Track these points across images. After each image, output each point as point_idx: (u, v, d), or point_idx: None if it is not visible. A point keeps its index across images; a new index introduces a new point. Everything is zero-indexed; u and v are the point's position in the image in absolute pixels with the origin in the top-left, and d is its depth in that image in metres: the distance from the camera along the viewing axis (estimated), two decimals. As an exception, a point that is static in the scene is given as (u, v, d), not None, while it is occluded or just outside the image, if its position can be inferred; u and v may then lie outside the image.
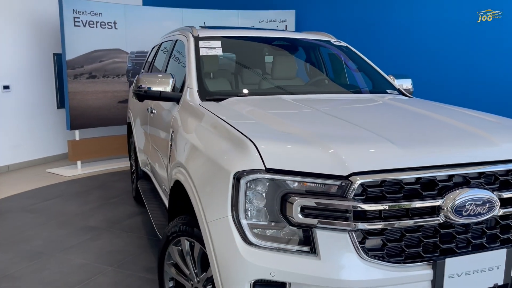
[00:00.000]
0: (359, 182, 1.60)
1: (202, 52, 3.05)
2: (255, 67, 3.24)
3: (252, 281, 1.66)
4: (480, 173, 1.77)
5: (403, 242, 1.68)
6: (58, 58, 7.03)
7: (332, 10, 6.97)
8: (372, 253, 1.64)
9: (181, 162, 2.19)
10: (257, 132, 1.85)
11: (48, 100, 7.07)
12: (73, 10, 6.19)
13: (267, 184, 1.66)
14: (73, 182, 5.82)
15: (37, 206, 4.79)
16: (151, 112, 3.48)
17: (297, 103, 2.55)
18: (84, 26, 6.34)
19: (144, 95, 2.84)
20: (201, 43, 3.13)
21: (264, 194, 1.67)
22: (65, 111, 7.23)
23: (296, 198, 1.60)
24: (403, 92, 3.22)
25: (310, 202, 1.60)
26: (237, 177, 1.68)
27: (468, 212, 1.68)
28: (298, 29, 7.10)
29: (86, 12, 6.32)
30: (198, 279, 2.20)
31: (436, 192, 1.69)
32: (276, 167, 1.65)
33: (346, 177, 1.61)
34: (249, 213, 1.69)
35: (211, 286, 2.13)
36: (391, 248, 1.67)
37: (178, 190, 2.46)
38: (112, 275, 3.23)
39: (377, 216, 1.64)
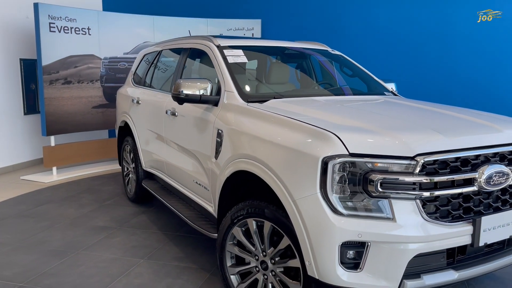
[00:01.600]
0: (422, 161, 2.10)
1: (230, 60, 3.42)
2: (274, 73, 3.66)
3: (341, 243, 2.10)
4: (495, 153, 2.35)
5: (449, 207, 2.21)
6: (25, 64, 6.94)
7: (296, 19, 7.55)
8: (430, 216, 2.15)
9: (250, 154, 2.56)
10: (331, 125, 2.29)
11: (14, 106, 6.92)
12: (49, 15, 6.19)
13: (351, 165, 2.11)
14: (56, 188, 5.82)
15: (33, 212, 4.80)
16: (173, 114, 3.76)
17: (331, 103, 3.04)
18: (59, 31, 6.35)
19: (185, 98, 3.16)
20: (226, 52, 3.50)
21: (347, 173, 2.11)
22: (33, 117, 7.17)
23: (376, 175, 2.07)
24: (395, 93, 3.82)
25: (386, 178, 2.07)
26: (325, 161, 2.11)
27: (493, 182, 2.24)
28: (263, 37, 7.59)
29: (61, 17, 6.34)
30: (265, 253, 2.58)
31: (470, 168, 2.24)
32: (357, 152, 2.11)
33: (412, 158, 2.11)
34: (335, 189, 2.12)
35: (278, 258, 2.53)
36: (442, 211, 2.19)
37: (234, 181, 2.83)
38: (147, 265, 3.48)
39: (433, 187, 2.15)
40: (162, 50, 4.72)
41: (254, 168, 2.53)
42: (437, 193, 2.14)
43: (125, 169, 5.33)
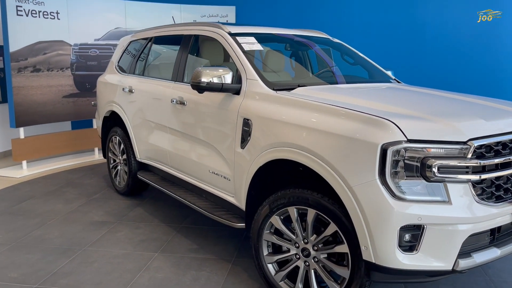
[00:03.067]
0: (474, 145, 2.21)
1: (245, 47, 3.37)
2: (290, 61, 3.65)
3: (400, 227, 2.16)
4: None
5: (493, 188, 2.34)
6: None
7: (270, 6, 7.54)
8: (479, 197, 2.27)
9: (294, 143, 2.54)
10: (383, 113, 2.33)
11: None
12: (16, -2, 5.75)
13: (408, 151, 2.17)
14: (33, 183, 5.48)
15: (18, 208, 4.51)
16: (181, 103, 3.65)
17: (357, 90, 3.09)
18: (27, 15, 5.92)
19: (206, 87, 3.08)
20: (239, 39, 3.44)
21: (405, 159, 2.17)
22: (2, 107, 6.68)
23: (434, 160, 2.14)
24: (398, 81, 3.94)
25: (443, 162, 2.15)
26: (384, 147, 2.16)
27: None
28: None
29: (28, 0, 5.91)
30: (306, 240, 2.61)
31: (508, 151, 2.38)
32: (415, 138, 2.17)
33: (465, 142, 2.21)
34: (393, 175, 2.18)
35: (322, 245, 2.56)
36: (487, 193, 2.32)
37: (263, 170, 2.82)
38: (163, 259, 3.39)
39: (481, 170, 2.27)
40: (154, 37, 4.54)
41: (298, 156, 2.53)
42: (485, 176, 2.25)
43: (111, 161, 5.12)
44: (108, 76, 5.14)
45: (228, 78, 3.11)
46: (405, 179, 2.19)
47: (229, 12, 7.53)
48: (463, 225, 2.20)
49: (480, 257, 2.29)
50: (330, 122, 2.43)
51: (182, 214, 4.33)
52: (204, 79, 3.06)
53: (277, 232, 2.77)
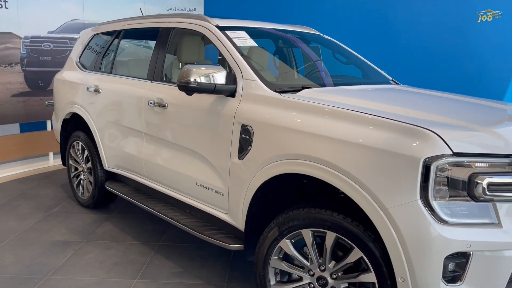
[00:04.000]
0: (525, 159, 1.93)
1: (238, 43, 2.96)
2: (285, 59, 3.27)
3: (446, 256, 1.85)
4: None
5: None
6: None
7: (241, 0, 7.14)
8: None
9: (309, 155, 2.17)
10: (418, 121, 2.00)
11: None
12: (-45, -18, 5.01)
13: (454, 167, 1.85)
14: (-23, 194, 4.80)
15: (-40, 227, 3.86)
16: (160, 106, 3.18)
17: (370, 92, 2.76)
18: (-31, 3, 5.19)
19: (196, 88, 2.65)
20: (230, 34, 3.03)
21: (450, 175, 1.86)
22: None
23: (484, 176, 1.84)
24: (396, 82, 3.66)
25: (493, 179, 1.85)
26: (427, 163, 1.83)
27: None
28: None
29: (-30, -14, 5.18)
30: (323, 267, 2.24)
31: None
32: (462, 151, 1.86)
33: (515, 156, 1.92)
34: (437, 194, 1.86)
35: (342, 273, 2.21)
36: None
37: (273, 185, 2.43)
38: (145, 287, 2.92)
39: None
40: (123, 30, 4.02)
41: (316, 171, 2.15)
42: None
43: (73, 169, 4.54)
44: (68, 74, 4.55)
45: (221, 78, 2.68)
46: (449, 199, 1.88)
47: (197, 6, 7.06)
48: (515, 251, 1.91)
49: (528, 286, 2.02)
50: (358, 132, 2.07)
51: (157, 229, 3.85)
52: (194, 79, 2.63)
53: (286, 258, 2.39)
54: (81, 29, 6.25)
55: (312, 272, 2.30)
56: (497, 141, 1.95)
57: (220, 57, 3.34)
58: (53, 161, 6.25)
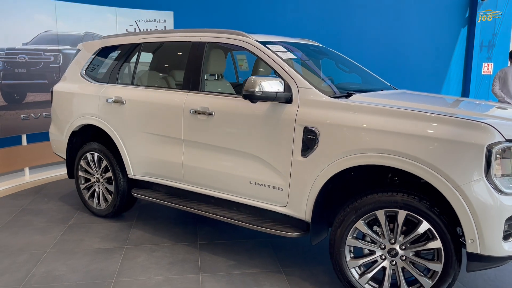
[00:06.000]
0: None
1: (282, 56, 3.36)
2: (315, 69, 3.71)
3: (507, 217, 2.42)
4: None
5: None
6: None
7: (208, 12, 7.47)
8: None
9: (384, 148, 2.64)
10: (473, 118, 2.57)
11: None
12: None
13: (506, 150, 2.44)
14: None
15: (-16, 245, 3.76)
16: (206, 114, 3.46)
17: (401, 95, 3.32)
18: None
19: (261, 96, 3.02)
20: (272, 48, 3.42)
21: (504, 157, 2.44)
22: None
23: (529, 155, 2.45)
24: (394, 87, 4.28)
25: (533, 157, 2.48)
26: (489, 148, 2.40)
27: None
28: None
29: None
30: (393, 241, 2.73)
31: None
32: (511, 138, 2.45)
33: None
34: (497, 172, 2.43)
35: (410, 243, 2.71)
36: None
37: (343, 176, 2.88)
38: (212, 279, 3.19)
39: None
40: (142, 43, 4.19)
41: (392, 161, 2.63)
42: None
43: (83, 181, 4.57)
44: (73, 86, 4.58)
45: (280, 87, 3.07)
46: (504, 176, 2.46)
47: (167, 18, 7.23)
48: (549, 210, 2.55)
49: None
50: (427, 128, 2.58)
51: (188, 231, 4.09)
52: (260, 88, 2.99)
53: (360, 236, 2.85)
54: (54, 41, 6.22)
55: (383, 246, 2.78)
56: (529, 129, 2.59)
57: (262, 69, 3.73)
58: (29, 177, 6.07)
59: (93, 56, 4.57)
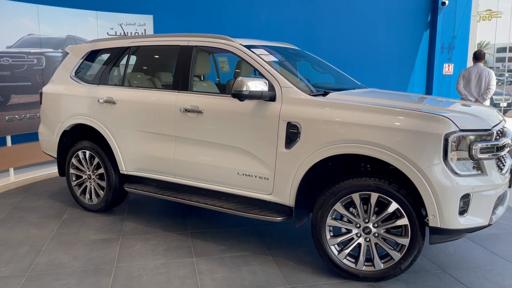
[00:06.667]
0: (495, 131, 3.02)
1: (265, 58, 3.72)
2: (293, 70, 4.08)
3: (461, 195, 2.85)
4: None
5: (500, 163, 3.20)
6: None
7: (187, 15, 7.76)
8: (498, 170, 3.09)
9: (359, 139, 3.02)
10: (434, 111, 2.99)
11: None
12: None
13: (461, 138, 2.87)
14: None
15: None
16: (196, 112, 3.77)
17: (370, 93, 3.72)
18: None
19: (248, 95, 3.37)
20: (256, 51, 3.77)
21: (458, 144, 2.87)
22: None
23: (477, 144, 2.89)
24: (364, 86, 4.70)
25: (482, 145, 2.91)
26: (446, 137, 2.83)
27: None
28: (156, 33, 7.54)
29: None
30: (367, 220, 3.13)
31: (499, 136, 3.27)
32: (464, 128, 2.88)
33: (490, 129, 3.00)
34: (453, 157, 2.86)
35: (381, 222, 3.12)
36: (499, 166, 3.15)
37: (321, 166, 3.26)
38: (205, 262, 3.50)
39: (496, 150, 3.09)
40: (131, 47, 4.46)
41: (364, 150, 3.03)
42: (502, 153, 3.09)
43: (74, 178, 4.79)
44: (62, 87, 4.80)
45: (265, 87, 3.43)
46: (458, 160, 2.89)
47: (147, 21, 7.48)
48: (496, 189, 3.01)
49: (499, 212, 3.14)
50: (395, 121, 2.99)
51: (176, 222, 4.39)
52: (247, 88, 3.34)
53: (337, 217, 3.23)
54: (37, 44, 6.40)
55: (359, 225, 3.17)
56: (480, 121, 3.03)
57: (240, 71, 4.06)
58: (14, 177, 6.21)
59: (82, 59, 4.81)
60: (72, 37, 6.82)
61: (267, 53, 3.87)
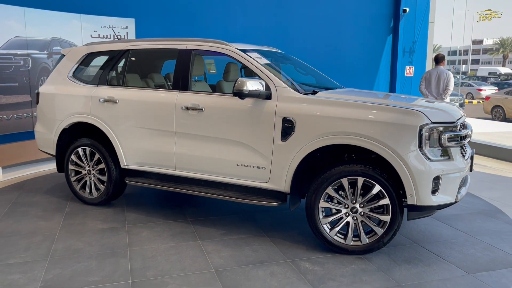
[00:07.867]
0: (459, 123, 3.61)
1: (260, 61, 4.17)
2: (282, 72, 4.54)
3: (433, 177, 3.41)
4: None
5: (463, 150, 3.79)
6: None
7: (168, 19, 8.10)
8: (462, 155, 3.68)
9: (347, 131, 3.51)
10: (409, 107, 3.53)
11: None
12: None
13: (433, 129, 3.42)
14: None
15: (-5, 232, 4.18)
16: (197, 109, 4.16)
17: (351, 93, 4.24)
18: None
19: (248, 94, 3.81)
20: (251, 54, 4.21)
21: (430, 134, 3.42)
22: None
23: (445, 134, 3.45)
24: (342, 86, 5.23)
25: (449, 134, 3.48)
26: (420, 128, 3.37)
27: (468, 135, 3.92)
28: (138, 36, 7.82)
29: None
30: (354, 201, 3.64)
31: (462, 128, 3.87)
32: (435, 121, 3.44)
33: (455, 122, 3.58)
34: (426, 145, 3.41)
35: (366, 202, 3.63)
36: (463, 153, 3.74)
37: (310, 158, 3.74)
38: (210, 244, 3.90)
39: (460, 139, 3.66)
40: (130, 50, 4.79)
41: (353, 141, 3.53)
42: (464, 142, 3.68)
43: (73, 174, 5.05)
44: (61, 87, 5.06)
45: (262, 86, 3.87)
46: (431, 148, 3.45)
47: (129, 24, 7.74)
48: (460, 172, 3.59)
49: (463, 192, 3.73)
50: (379, 114, 3.51)
51: (175, 212, 4.75)
52: (246, 88, 3.77)
53: (329, 199, 3.72)
54: (24, 45, 6.58)
55: (347, 205, 3.67)
56: (447, 115, 3.60)
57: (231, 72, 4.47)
58: (2, 176, 6.35)
59: (80, 61, 5.08)
60: (57, 39, 7.01)
61: (260, 56, 4.32)
